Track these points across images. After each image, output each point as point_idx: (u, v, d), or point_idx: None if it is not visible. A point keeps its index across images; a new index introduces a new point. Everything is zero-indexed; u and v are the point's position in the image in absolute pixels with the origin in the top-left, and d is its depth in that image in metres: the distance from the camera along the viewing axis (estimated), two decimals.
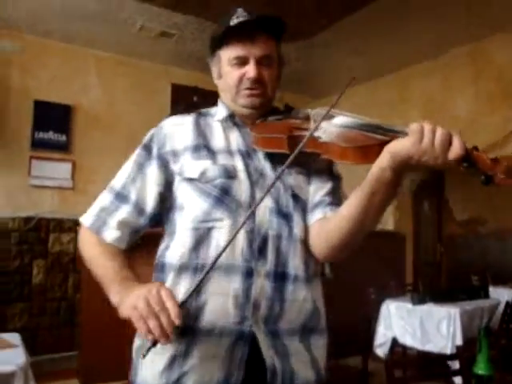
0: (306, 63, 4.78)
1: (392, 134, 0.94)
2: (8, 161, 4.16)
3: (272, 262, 1.06)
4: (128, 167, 1.17)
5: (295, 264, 1.09)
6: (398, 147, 0.90)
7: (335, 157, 1.02)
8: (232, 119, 1.19)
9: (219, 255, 0.91)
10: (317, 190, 1.16)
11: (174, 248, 1.11)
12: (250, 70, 1.11)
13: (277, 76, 1.19)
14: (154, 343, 0.86)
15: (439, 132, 0.86)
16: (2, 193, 4.13)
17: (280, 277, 1.07)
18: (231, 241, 0.94)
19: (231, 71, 1.14)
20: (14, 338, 2.20)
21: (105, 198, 1.15)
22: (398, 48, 4.44)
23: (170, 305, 0.86)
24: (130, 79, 4.76)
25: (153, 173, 1.14)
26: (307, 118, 1.12)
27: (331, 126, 1.02)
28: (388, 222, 5.22)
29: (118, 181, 1.17)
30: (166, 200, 1.16)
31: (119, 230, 1.11)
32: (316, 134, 1.02)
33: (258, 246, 1.06)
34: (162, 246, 1.17)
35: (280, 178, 1.05)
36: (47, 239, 4.28)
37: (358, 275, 4.50)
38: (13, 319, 4.05)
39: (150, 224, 1.16)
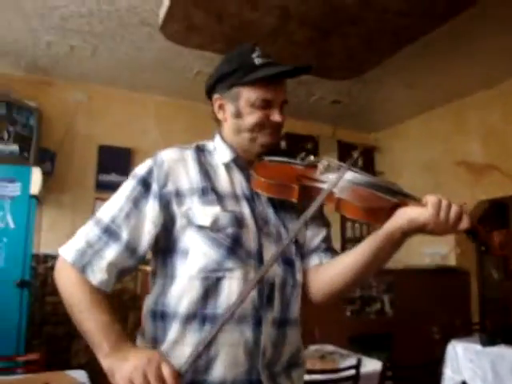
0: (357, 99, 4.79)
1: (402, 197, 1.02)
2: (74, 202, 4.38)
3: (278, 310, 1.06)
4: (120, 200, 1.05)
5: (295, 309, 1.11)
6: (416, 215, 0.97)
7: (347, 213, 1.04)
8: (235, 162, 1.16)
9: (232, 313, 0.91)
10: (313, 236, 1.19)
11: (177, 295, 1.03)
12: (276, 115, 1.11)
13: None
14: None
15: (454, 208, 0.96)
16: (68, 232, 4.25)
17: (283, 323, 1.07)
18: (245, 297, 0.93)
19: (254, 112, 1.11)
20: (81, 375, 2.22)
21: (90, 231, 1.04)
22: (451, 79, 4.36)
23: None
24: (187, 121, 4.92)
25: (151, 212, 1.04)
26: (313, 166, 1.13)
27: (345, 181, 1.06)
28: (449, 258, 4.99)
29: (107, 213, 1.04)
30: (159, 241, 1.08)
31: (107, 273, 1.00)
32: (329, 187, 1.06)
33: (267, 295, 1.05)
34: (156, 290, 1.08)
35: (294, 237, 1.08)
36: None
37: (419, 313, 4.31)
38: (76, 355, 4.18)
39: (138, 265, 1.08)
